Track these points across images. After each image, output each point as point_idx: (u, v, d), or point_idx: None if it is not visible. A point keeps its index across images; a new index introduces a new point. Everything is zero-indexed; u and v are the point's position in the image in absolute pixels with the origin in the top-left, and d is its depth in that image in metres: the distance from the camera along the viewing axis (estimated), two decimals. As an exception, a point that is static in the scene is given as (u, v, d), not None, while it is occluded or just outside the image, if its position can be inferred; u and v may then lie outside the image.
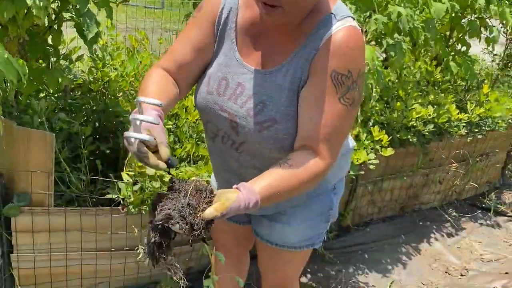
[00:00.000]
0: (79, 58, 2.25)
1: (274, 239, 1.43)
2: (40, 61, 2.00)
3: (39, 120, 1.93)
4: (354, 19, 1.11)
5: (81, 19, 1.64)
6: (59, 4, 1.74)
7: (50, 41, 1.92)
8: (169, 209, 0.97)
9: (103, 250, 1.90)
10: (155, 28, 4.98)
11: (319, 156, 1.10)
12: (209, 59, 1.21)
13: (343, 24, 1.07)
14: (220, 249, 1.68)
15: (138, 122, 0.99)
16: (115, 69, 2.51)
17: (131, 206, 1.82)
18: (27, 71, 1.32)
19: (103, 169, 2.04)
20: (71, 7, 1.76)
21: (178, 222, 0.95)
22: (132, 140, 0.97)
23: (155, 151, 1.00)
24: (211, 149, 1.34)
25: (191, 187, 1.00)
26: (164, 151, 0.99)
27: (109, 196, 1.84)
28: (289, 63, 1.11)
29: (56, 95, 2.27)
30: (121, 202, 1.86)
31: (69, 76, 2.30)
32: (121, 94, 2.40)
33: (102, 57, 2.46)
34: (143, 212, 1.84)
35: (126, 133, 0.98)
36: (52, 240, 1.81)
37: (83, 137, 2.04)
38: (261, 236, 1.46)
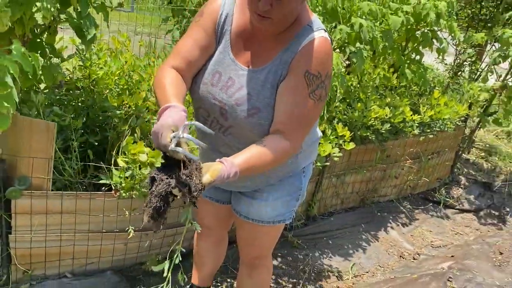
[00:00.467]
0: (71, 57, 2.41)
1: (252, 215, 1.65)
2: (37, 58, 2.16)
3: (36, 112, 2.10)
4: (326, 31, 1.38)
5: (81, 21, 1.82)
6: (59, 6, 1.91)
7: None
8: (167, 178, 1.18)
9: (95, 231, 2.08)
10: (125, 31, 5.11)
11: (288, 139, 1.35)
12: (210, 56, 1.44)
13: (317, 35, 1.33)
14: (203, 230, 1.89)
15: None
16: (101, 68, 2.68)
17: (122, 191, 2.01)
18: (40, 64, 1.51)
19: (92, 159, 2.22)
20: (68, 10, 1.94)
21: (177, 187, 1.17)
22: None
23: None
24: (200, 132, 1.56)
25: (183, 159, 1.20)
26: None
27: (102, 181, 2.03)
28: (273, 64, 1.36)
29: (46, 90, 2.43)
30: (113, 187, 2.05)
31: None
32: (107, 91, 2.58)
33: (90, 56, 2.63)
34: (134, 196, 2.03)
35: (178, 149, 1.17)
36: (48, 222, 1.97)
37: (74, 129, 2.22)
38: (240, 213, 1.68)
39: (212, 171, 1.22)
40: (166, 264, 1.33)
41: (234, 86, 1.39)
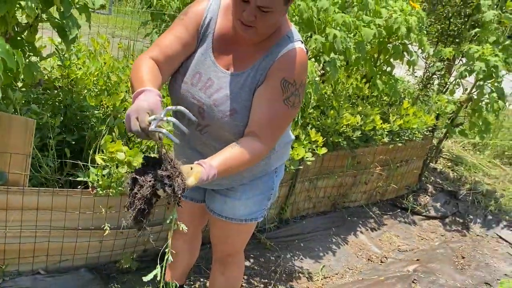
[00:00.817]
0: (50, 56, 2.43)
1: (225, 213, 1.71)
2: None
3: (13, 109, 2.12)
4: (302, 42, 1.47)
5: (64, 21, 1.86)
6: (41, 5, 1.95)
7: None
8: (150, 180, 1.21)
9: (71, 228, 2.10)
10: (101, 34, 5.12)
11: (261, 141, 1.42)
12: (189, 55, 1.50)
13: (295, 46, 1.42)
14: (177, 229, 1.94)
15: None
16: (80, 68, 2.71)
17: (99, 189, 2.05)
18: (24, 62, 1.55)
19: (69, 157, 2.24)
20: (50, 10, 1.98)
21: (163, 187, 1.21)
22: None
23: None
24: (176, 129, 1.61)
25: (165, 161, 1.24)
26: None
27: (79, 179, 2.06)
28: (252, 69, 1.44)
29: (23, 89, 2.45)
30: (90, 185, 2.08)
31: (37, 72, 2.48)
32: (86, 91, 2.61)
33: (69, 57, 2.66)
34: (110, 194, 2.07)
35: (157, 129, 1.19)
36: (23, 218, 1.99)
37: (51, 127, 2.24)
38: (214, 211, 1.73)
39: (195, 174, 1.26)
40: (158, 269, 1.34)
41: (213, 87, 1.46)
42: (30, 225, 2.02)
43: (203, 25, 1.48)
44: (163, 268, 1.33)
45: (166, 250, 1.35)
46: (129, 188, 1.23)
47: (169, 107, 1.26)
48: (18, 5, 1.81)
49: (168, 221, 1.34)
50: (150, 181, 1.21)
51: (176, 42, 1.46)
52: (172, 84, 1.53)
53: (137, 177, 1.23)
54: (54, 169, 2.21)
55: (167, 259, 1.35)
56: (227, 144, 1.43)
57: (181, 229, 1.38)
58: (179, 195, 1.23)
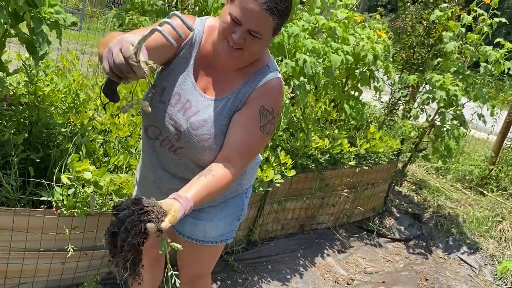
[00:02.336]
0: (16, 72, 2.38)
1: (196, 236, 1.69)
2: (-19, 71, 2.12)
3: (-25, 126, 2.05)
4: (279, 72, 1.52)
5: (34, 37, 1.84)
6: (10, 21, 1.92)
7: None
8: (135, 225, 1.14)
9: (32, 250, 2.03)
10: (71, 50, 5.06)
11: (233, 165, 1.44)
12: (160, 60, 1.45)
13: (274, 76, 1.47)
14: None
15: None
16: (48, 85, 2.66)
17: (64, 209, 1.99)
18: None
19: (33, 176, 2.18)
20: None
21: (150, 221, 1.15)
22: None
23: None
24: (148, 149, 1.59)
25: (142, 204, 1.18)
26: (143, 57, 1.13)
27: (43, 198, 2.00)
28: (231, 95, 1.46)
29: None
30: (54, 205, 2.03)
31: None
32: (53, 108, 2.56)
33: (36, 73, 2.61)
34: (75, 214, 2.01)
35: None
36: (-19, 238, 1.91)
37: (15, 145, 2.18)
38: (184, 233, 1.71)
39: (173, 214, 1.23)
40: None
41: (191, 109, 1.46)
42: (-12, 246, 1.94)
43: (186, 44, 1.48)
44: None
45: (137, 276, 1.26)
46: (110, 245, 1.17)
47: (156, 27, 1.10)
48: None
49: (162, 249, 1.26)
50: (135, 226, 1.14)
51: (158, 38, 1.28)
52: (149, 102, 1.51)
53: (116, 230, 1.16)
54: (16, 187, 2.14)
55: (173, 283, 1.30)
56: (200, 165, 1.44)
57: (175, 248, 1.33)
58: (162, 223, 1.18)
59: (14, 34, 2.03)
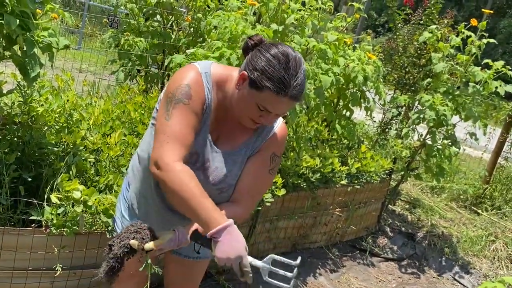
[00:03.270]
0: (10, 92, 2.43)
1: (191, 253, 1.71)
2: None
3: (-33, 146, 2.08)
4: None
5: (26, 59, 1.89)
6: (4, 43, 1.97)
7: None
8: (122, 240, 1.35)
9: (20, 269, 2.04)
10: (68, 68, 5.13)
11: (241, 207, 1.50)
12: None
13: (280, 122, 1.55)
14: (125, 274, 1.89)
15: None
16: (42, 105, 2.70)
17: (53, 228, 2.01)
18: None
19: (25, 195, 2.20)
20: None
21: (135, 237, 1.34)
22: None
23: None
24: (156, 195, 1.57)
25: (137, 226, 1.37)
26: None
27: (33, 217, 2.02)
28: (247, 146, 1.51)
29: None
30: (43, 224, 2.04)
31: (-5, 107, 2.46)
32: (46, 127, 2.59)
33: (31, 93, 2.65)
34: (64, 233, 2.03)
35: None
36: (-30, 257, 1.92)
37: (7, 164, 2.21)
38: (179, 253, 1.72)
39: (160, 240, 1.33)
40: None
41: (211, 167, 1.49)
42: (-23, 265, 1.95)
43: (205, 112, 1.44)
44: None
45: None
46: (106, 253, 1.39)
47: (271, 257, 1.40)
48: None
49: (142, 269, 1.37)
50: (122, 240, 1.35)
51: (191, 131, 1.39)
52: None
53: (111, 243, 1.38)
54: (7, 206, 2.16)
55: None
56: None
57: (157, 272, 1.40)
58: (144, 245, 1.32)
59: (8, 56, 2.08)
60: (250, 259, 1.32)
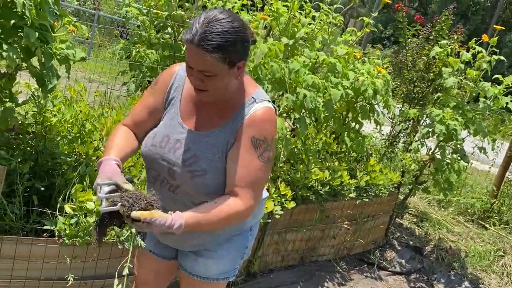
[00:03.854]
0: (25, 102, 2.46)
1: (197, 272, 1.69)
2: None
3: (-18, 155, 2.11)
4: (269, 101, 1.55)
5: (44, 71, 1.92)
6: (22, 56, 2.00)
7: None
8: (113, 200, 1.34)
9: (32, 278, 2.05)
10: (79, 78, 5.18)
11: (241, 199, 1.46)
12: (158, 120, 1.59)
13: (260, 105, 1.50)
14: (139, 286, 1.91)
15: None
16: (55, 115, 2.74)
17: (66, 238, 2.03)
18: (7, 112, 1.58)
19: (37, 205, 2.22)
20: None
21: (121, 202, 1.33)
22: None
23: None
24: (151, 190, 1.63)
25: (133, 192, 1.36)
26: (128, 187, 1.38)
27: (46, 227, 2.04)
28: (222, 130, 1.50)
29: (-4, 133, 2.45)
30: (56, 234, 2.06)
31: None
32: (59, 138, 2.62)
33: (45, 103, 2.68)
34: (76, 244, 2.05)
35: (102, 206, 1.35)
36: (-16, 266, 1.94)
37: (20, 174, 2.23)
38: (185, 268, 1.71)
39: (153, 212, 1.33)
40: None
41: (181, 148, 1.51)
42: (-11, 274, 1.97)
43: (170, 91, 1.58)
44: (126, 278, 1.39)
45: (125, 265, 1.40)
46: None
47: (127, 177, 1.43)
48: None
49: (125, 237, 1.44)
50: (113, 200, 1.34)
51: (144, 111, 1.60)
52: (143, 148, 1.59)
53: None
54: (20, 216, 2.18)
55: (127, 274, 1.40)
56: (199, 204, 1.47)
57: (139, 245, 1.44)
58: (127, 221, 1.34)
59: (25, 68, 2.11)
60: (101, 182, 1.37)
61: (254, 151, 1.47)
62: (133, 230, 1.41)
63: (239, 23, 1.42)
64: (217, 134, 1.50)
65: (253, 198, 1.49)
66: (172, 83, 1.59)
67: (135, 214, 1.30)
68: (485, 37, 3.51)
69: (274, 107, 1.58)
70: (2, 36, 1.78)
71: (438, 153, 3.86)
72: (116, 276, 1.44)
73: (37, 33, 1.80)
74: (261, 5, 3.68)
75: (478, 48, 3.59)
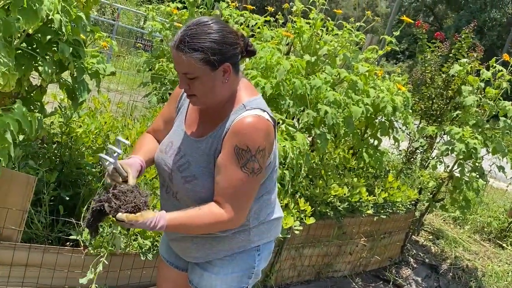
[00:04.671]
0: (53, 113, 2.52)
1: (202, 286, 1.68)
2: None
3: (12, 165, 2.17)
4: (264, 110, 1.49)
5: (76, 85, 1.97)
6: (56, 70, 2.06)
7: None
8: (104, 197, 1.43)
9: (57, 287, 2.09)
10: (100, 88, 5.26)
11: (224, 209, 1.46)
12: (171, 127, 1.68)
13: (248, 113, 1.45)
14: None
15: (114, 154, 1.47)
16: (80, 126, 2.80)
17: (90, 248, 2.06)
18: (36, 123, 1.63)
19: (62, 214, 2.27)
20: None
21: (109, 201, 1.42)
22: (106, 163, 1.45)
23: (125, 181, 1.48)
24: (161, 196, 1.70)
25: (126, 191, 1.43)
26: (131, 181, 1.46)
27: (72, 237, 2.08)
28: (211, 136, 1.51)
29: (24, 143, 2.51)
30: (81, 243, 2.10)
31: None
32: (84, 148, 2.68)
33: (71, 114, 2.75)
34: (101, 254, 2.08)
35: (101, 155, 1.46)
36: (11, 274, 1.98)
37: (47, 183, 2.28)
38: (192, 282, 1.71)
39: (138, 215, 1.39)
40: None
41: (179, 154, 1.56)
42: (16, 282, 2.01)
43: (180, 101, 1.67)
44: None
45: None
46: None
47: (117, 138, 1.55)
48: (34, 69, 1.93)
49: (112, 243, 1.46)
50: (103, 196, 1.44)
51: (160, 119, 1.72)
52: (155, 154, 1.67)
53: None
54: (46, 225, 2.23)
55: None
56: None
57: (120, 248, 1.56)
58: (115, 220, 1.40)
59: (56, 81, 2.18)
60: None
61: (236, 161, 1.43)
62: (119, 229, 1.48)
63: (221, 26, 1.44)
64: (207, 141, 1.52)
65: (236, 209, 1.46)
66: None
67: (120, 216, 1.37)
68: (506, 56, 3.51)
69: (270, 117, 1.51)
70: (37, 51, 1.84)
71: (457, 170, 3.85)
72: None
73: (71, 48, 1.86)
74: (283, 21, 3.73)
75: (498, 67, 3.59)
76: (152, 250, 2.25)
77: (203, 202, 1.48)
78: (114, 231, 1.48)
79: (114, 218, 1.38)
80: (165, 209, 1.60)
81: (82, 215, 2.21)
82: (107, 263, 1.40)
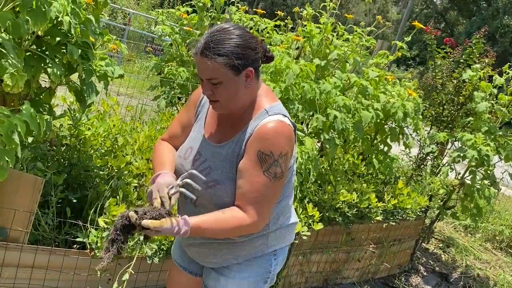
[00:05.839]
0: (62, 116, 2.53)
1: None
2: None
3: (20, 166, 2.17)
4: (285, 115, 1.53)
5: (84, 87, 1.98)
6: (65, 72, 2.07)
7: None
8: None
9: (63, 289, 2.09)
10: (109, 91, 5.27)
11: (247, 213, 1.47)
12: (189, 133, 1.67)
13: (271, 118, 1.48)
14: None
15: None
16: (89, 128, 2.80)
17: (97, 250, 2.06)
18: (45, 125, 1.63)
19: (69, 216, 2.27)
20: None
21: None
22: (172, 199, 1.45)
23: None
24: (179, 203, 1.68)
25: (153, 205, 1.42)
26: (166, 204, 1.45)
27: (79, 239, 2.07)
28: (232, 142, 1.52)
29: (33, 145, 2.52)
30: (88, 246, 2.09)
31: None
32: (92, 151, 2.68)
33: (80, 117, 2.75)
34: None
35: (185, 191, 1.46)
36: (18, 275, 1.98)
37: (54, 185, 2.28)
38: (208, 287, 1.70)
39: (161, 221, 1.37)
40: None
41: (200, 159, 1.56)
42: (23, 283, 2.00)
43: (199, 106, 1.67)
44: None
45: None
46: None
47: (179, 182, 1.48)
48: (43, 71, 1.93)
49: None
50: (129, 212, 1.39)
51: (178, 126, 1.71)
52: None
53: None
54: (53, 227, 2.23)
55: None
56: None
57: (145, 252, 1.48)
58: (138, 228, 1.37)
59: (65, 83, 2.18)
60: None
61: (259, 165, 1.45)
62: (141, 237, 1.45)
63: (243, 31, 1.47)
64: (229, 146, 1.53)
65: (259, 214, 1.47)
66: (201, 100, 1.67)
67: (146, 223, 1.34)
68: (520, 63, 3.46)
69: (291, 123, 1.54)
70: (47, 53, 1.84)
71: (468, 178, 3.79)
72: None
73: (79, 51, 1.87)
74: (292, 26, 3.72)
75: (511, 73, 3.53)
76: (158, 254, 2.23)
77: (225, 206, 1.49)
78: (141, 238, 1.47)
79: (139, 226, 1.35)
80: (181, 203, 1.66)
81: (90, 217, 2.20)
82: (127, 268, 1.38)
